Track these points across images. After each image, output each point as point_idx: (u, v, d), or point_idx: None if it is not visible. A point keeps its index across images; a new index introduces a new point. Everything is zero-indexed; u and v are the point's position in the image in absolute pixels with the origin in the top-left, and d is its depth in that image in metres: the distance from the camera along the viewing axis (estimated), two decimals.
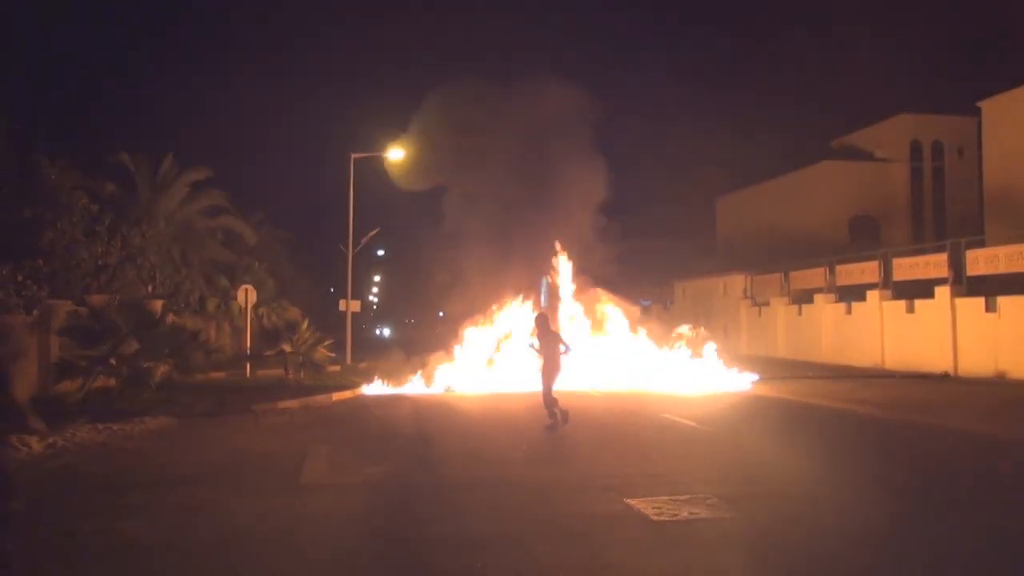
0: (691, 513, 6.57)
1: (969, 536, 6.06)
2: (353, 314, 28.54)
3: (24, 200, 18.78)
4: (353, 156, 27.43)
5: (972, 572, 5.33)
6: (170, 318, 16.41)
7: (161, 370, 14.93)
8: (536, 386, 12.47)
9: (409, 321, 66.40)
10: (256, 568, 5.48)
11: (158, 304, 16.55)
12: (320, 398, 15.64)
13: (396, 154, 27.24)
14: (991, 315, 19.52)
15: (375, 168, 28.16)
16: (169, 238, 24.61)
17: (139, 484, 8.27)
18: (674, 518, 6.43)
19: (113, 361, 14.80)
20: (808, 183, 37.23)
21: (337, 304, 29.42)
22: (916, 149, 37.67)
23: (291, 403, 14.81)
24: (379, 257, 61.63)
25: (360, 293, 69.95)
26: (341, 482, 8.38)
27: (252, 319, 23.01)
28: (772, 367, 22.63)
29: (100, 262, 19.53)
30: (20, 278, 15.58)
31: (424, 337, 30.18)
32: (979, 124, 31.25)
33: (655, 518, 6.44)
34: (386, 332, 69.17)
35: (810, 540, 5.94)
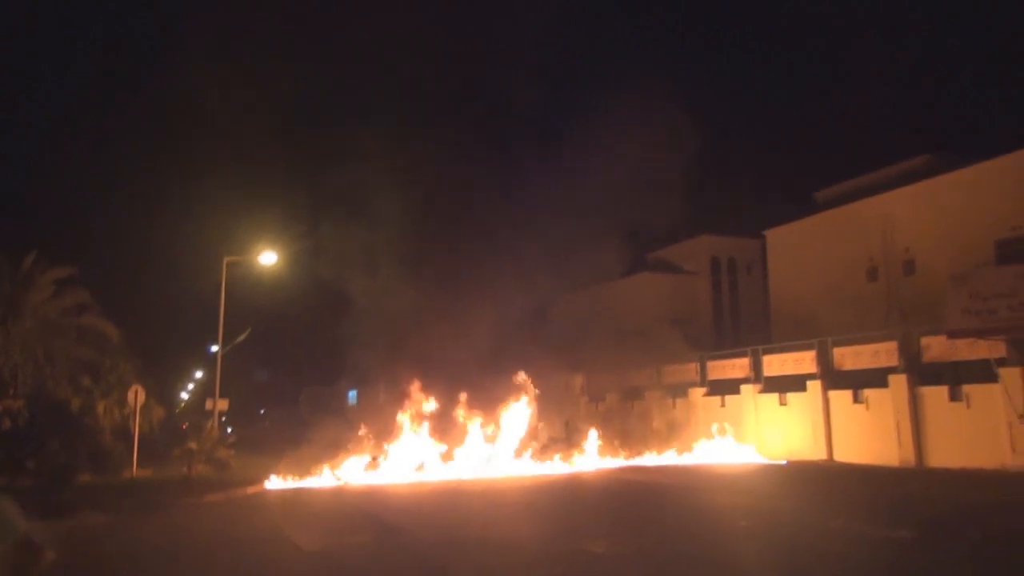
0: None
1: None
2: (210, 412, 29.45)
3: None
4: (226, 259, 29.01)
5: None
6: (86, 419, 17.42)
7: (83, 471, 16.04)
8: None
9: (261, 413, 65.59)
10: None
11: (77, 406, 17.52)
12: (238, 491, 17.27)
13: (268, 258, 29.25)
14: (783, 408, 25.08)
15: (245, 271, 29.90)
16: (33, 336, 24.81)
17: (166, 559, 10.15)
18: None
19: (36, 463, 15.73)
20: (629, 290, 43.10)
21: (203, 403, 30.15)
22: (715, 264, 44.98)
23: (216, 496, 16.40)
24: (212, 353, 60.72)
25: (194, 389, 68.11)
26: (337, 546, 10.72)
27: (133, 419, 23.62)
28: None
29: None
30: None
31: (279, 432, 31.54)
32: (763, 247, 38.67)
33: None
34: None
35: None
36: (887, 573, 8.36)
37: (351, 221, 35.18)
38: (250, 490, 17.73)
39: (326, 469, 20.60)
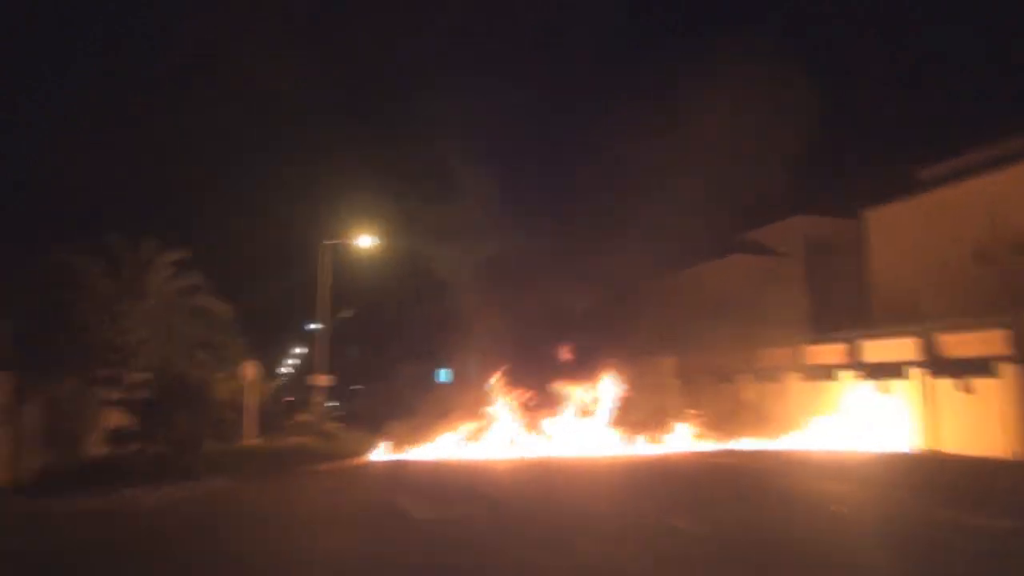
0: None
1: None
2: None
3: (52, 284, 21.01)
4: (324, 242, 30.43)
5: None
6: (218, 392, 18.81)
7: (206, 439, 17.42)
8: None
9: (352, 389, 68.28)
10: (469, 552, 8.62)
11: (199, 379, 18.98)
12: (346, 462, 18.39)
13: (365, 241, 30.52)
14: (883, 396, 24.60)
15: (343, 252, 31.31)
16: (155, 315, 26.71)
17: (298, 517, 11.10)
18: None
19: (165, 431, 17.16)
20: (722, 271, 42.60)
21: (302, 378, 31.78)
22: (810, 245, 43.83)
23: (327, 466, 17.55)
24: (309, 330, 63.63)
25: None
26: (447, 518, 11.44)
27: (245, 392, 25.26)
28: None
29: (119, 341, 21.75)
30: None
31: (376, 407, 32.90)
32: (861, 227, 37.51)
33: None
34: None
35: None
36: (989, 562, 8.42)
37: (443, 198, 36.24)
38: (357, 461, 18.83)
39: (426, 443, 21.58)
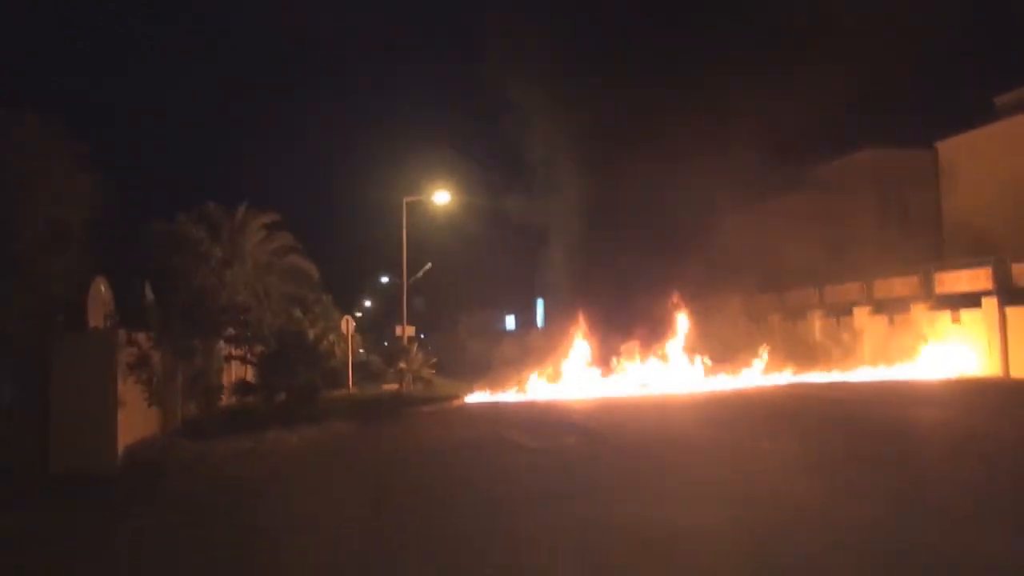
0: None
1: None
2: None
3: (172, 251, 23.25)
4: (405, 199, 32.16)
5: None
6: (322, 345, 20.87)
7: (322, 389, 19.50)
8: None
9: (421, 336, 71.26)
10: (574, 474, 10.27)
11: (311, 334, 21.04)
12: (445, 404, 20.32)
13: (442, 197, 32.12)
14: (956, 326, 25.30)
15: (420, 207, 33.09)
16: (252, 275, 29.00)
17: (426, 450, 12.93)
18: None
19: (286, 382, 19.29)
20: (789, 208, 42.87)
21: (393, 329, 33.99)
22: (880, 178, 43.66)
23: (430, 408, 19.48)
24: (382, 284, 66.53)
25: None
26: (552, 447, 13.12)
27: (345, 344, 27.47)
28: None
29: (230, 302, 23.97)
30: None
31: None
32: (935, 158, 37.39)
33: None
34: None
35: None
36: None
37: (517, 144, 37.74)
38: (456, 403, 20.75)
39: (515, 387, 23.43)
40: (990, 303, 24.97)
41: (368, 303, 79.76)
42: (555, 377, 24.93)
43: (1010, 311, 24.30)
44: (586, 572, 6.12)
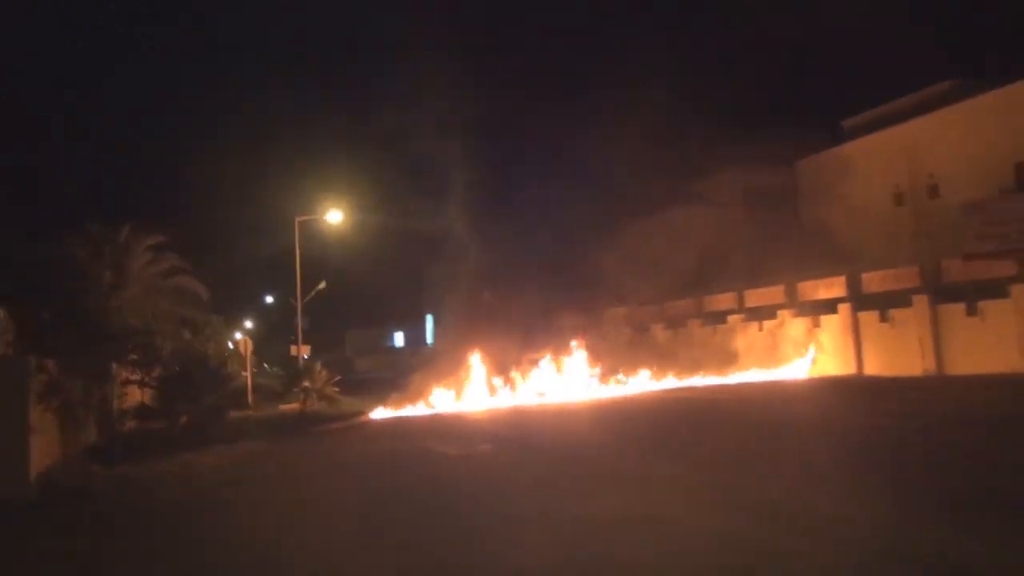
0: None
1: None
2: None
3: (62, 274, 22.82)
4: (298, 219, 32.39)
5: None
6: (222, 370, 21.04)
7: (228, 411, 19.75)
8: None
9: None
10: (489, 480, 11.39)
11: (216, 357, 21.14)
12: (353, 421, 20.95)
13: (335, 216, 32.58)
14: (818, 330, 28.24)
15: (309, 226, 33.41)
16: (140, 299, 28.51)
17: (350, 464, 13.68)
18: None
19: (190, 405, 19.41)
20: (667, 223, 45.71)
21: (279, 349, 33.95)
22: (748, 195, 47.27)
23: (338, 424, 20.08)
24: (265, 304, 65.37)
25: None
26: (471, 453, 14.16)
27: (242, 365, 27.43)
28: None
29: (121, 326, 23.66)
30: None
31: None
32: (795, 176, 41.17)
33: None
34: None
35: None
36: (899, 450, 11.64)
37: (401, 163, 38.74)
38: (362, 419, 21.40)
39: (418, 402, 24.29)
40: (845, 309, 28.04)
41: (249, 323, 78.12)
42: (458, 390, 25.95)
43: (862, 316, 27.41)
44: (536, 549, 7.24)
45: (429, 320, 61.01)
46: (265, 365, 36.79)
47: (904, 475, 9.46)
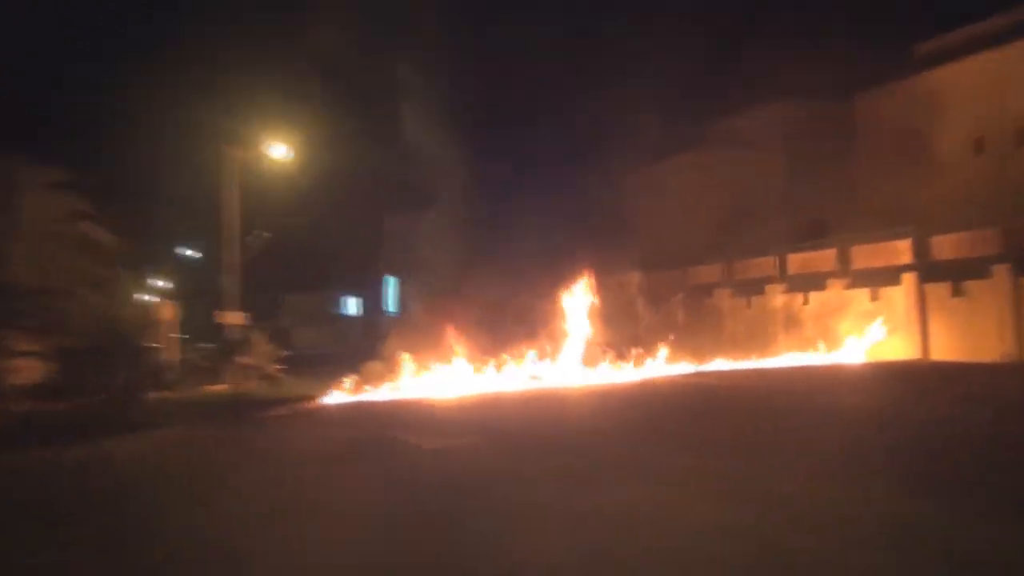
0: None
1: None
2: None
3: None
4: (229, 149, 32.18)
5: None
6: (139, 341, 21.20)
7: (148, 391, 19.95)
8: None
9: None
10: (473, 471, 11.68)
11: (133, 326, 21.28)
12: (299, 406, 21.17)
13: (278, 150, 32.43)
14: (875, 303, 28.67)
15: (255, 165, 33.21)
16: (35, 247, 28.49)
17: (310, 455, 13.94)
18: None
19: (104, 382, 19.59)
20: (687, 170, 45.94)
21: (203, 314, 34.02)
22: (792, 136, 47.42)
23: (282, 410, 20.30)
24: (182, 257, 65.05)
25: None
26: (451, 447, 14.44)
27: (161, 335, 27.51)
28: None
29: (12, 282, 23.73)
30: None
31: None
32: (852, 113, 41.30)
33: None
34: None
35: None
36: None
37: (365, 99, 38.50)
38: (310, 405, 21.64)
39: (383, 384, 24.55)
40: (909, 279, 28.46)
41: (160, 283, 77.81)
42: (431, 370, 26.22)
43: (930, 288, 27.85)
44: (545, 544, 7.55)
45: (390, 283, 61.06)
46: (185, 336, 36.92)
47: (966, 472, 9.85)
